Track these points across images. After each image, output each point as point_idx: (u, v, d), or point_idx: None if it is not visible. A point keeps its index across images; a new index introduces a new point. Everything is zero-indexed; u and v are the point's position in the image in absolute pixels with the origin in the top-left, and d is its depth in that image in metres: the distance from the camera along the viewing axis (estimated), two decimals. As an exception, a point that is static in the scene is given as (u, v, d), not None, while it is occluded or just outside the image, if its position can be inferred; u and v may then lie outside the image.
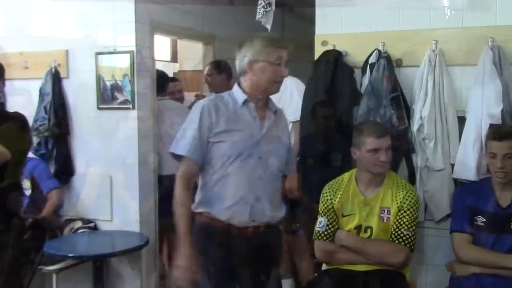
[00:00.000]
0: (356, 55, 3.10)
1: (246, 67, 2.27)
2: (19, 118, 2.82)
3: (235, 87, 2.34)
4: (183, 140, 2.24)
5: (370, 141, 2.58)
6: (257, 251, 2.31)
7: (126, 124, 3.57)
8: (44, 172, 3.71)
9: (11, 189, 2.78)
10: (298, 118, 3.40)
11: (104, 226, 3.70)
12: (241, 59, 2.29)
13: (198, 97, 4.36)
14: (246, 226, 2.27)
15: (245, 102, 2.29)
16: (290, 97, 3.56)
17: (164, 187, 3.74)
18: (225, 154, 2.22)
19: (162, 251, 4.76)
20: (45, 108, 3.73)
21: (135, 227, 3.58)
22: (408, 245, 2.58)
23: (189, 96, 5.33)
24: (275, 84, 2.29)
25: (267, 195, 2.31)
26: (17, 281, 2.91)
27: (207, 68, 4.10)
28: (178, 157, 2.27)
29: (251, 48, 2.26)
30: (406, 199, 2.61)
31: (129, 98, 3.54)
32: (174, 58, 6.91)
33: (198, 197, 2.31)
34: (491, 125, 2.67)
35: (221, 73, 3.98)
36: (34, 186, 3.58)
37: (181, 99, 4.51)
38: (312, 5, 3.23)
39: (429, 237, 3.00)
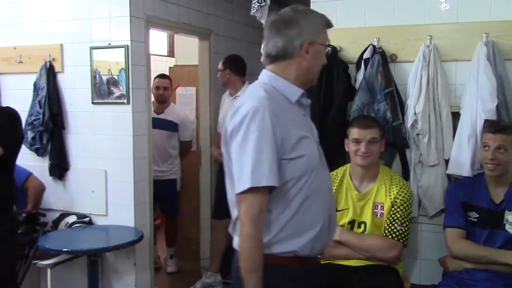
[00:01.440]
0: (351, 50, 3.08)
1: (299, 49, 1.74)
2: (11, 113, 2.82)
3: (274, 76, 1.77)
4: (261, 166, 1.60)
5: (353, 131, 2.65)
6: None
7: (121, 119, 3.56)
8: None
9: (4, 183, 2.79)
10: None
11: (99, 221, 3.69)
12: (290, 39, 1.74)
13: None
14: (320, 253, 1.82)
15: (299, 98, 1.79)
16: None
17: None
18: (305, 171, 1.69)
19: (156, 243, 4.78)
20: (39, 102, 3.72)
21: (130, 222, 3.58)
22: (401, 241, 2.59)
23: (184, 90, 5.34)
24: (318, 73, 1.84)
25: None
26: (11, 275, 2.92)
27: None
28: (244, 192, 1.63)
29: (308, 26, 1.75)
30: (400, 195, 2.62)
31: (125, 92, 3.53)
32: (170, 53, 6.91)
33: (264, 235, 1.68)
34: (485, 121, 2.67)
35: (225, 68, 4.03)
36: None
37: (162, 96, 4.52)
38: (306, -1, 3.22)
39: (423, 232, 3.00)
